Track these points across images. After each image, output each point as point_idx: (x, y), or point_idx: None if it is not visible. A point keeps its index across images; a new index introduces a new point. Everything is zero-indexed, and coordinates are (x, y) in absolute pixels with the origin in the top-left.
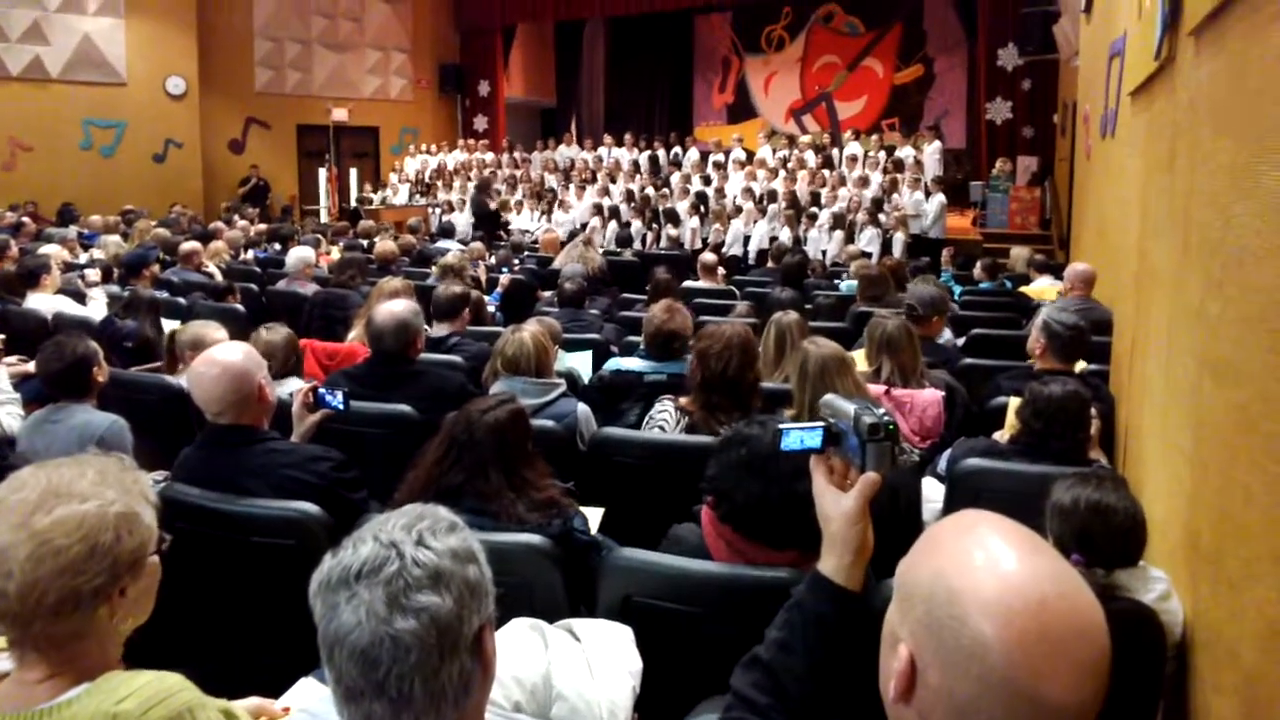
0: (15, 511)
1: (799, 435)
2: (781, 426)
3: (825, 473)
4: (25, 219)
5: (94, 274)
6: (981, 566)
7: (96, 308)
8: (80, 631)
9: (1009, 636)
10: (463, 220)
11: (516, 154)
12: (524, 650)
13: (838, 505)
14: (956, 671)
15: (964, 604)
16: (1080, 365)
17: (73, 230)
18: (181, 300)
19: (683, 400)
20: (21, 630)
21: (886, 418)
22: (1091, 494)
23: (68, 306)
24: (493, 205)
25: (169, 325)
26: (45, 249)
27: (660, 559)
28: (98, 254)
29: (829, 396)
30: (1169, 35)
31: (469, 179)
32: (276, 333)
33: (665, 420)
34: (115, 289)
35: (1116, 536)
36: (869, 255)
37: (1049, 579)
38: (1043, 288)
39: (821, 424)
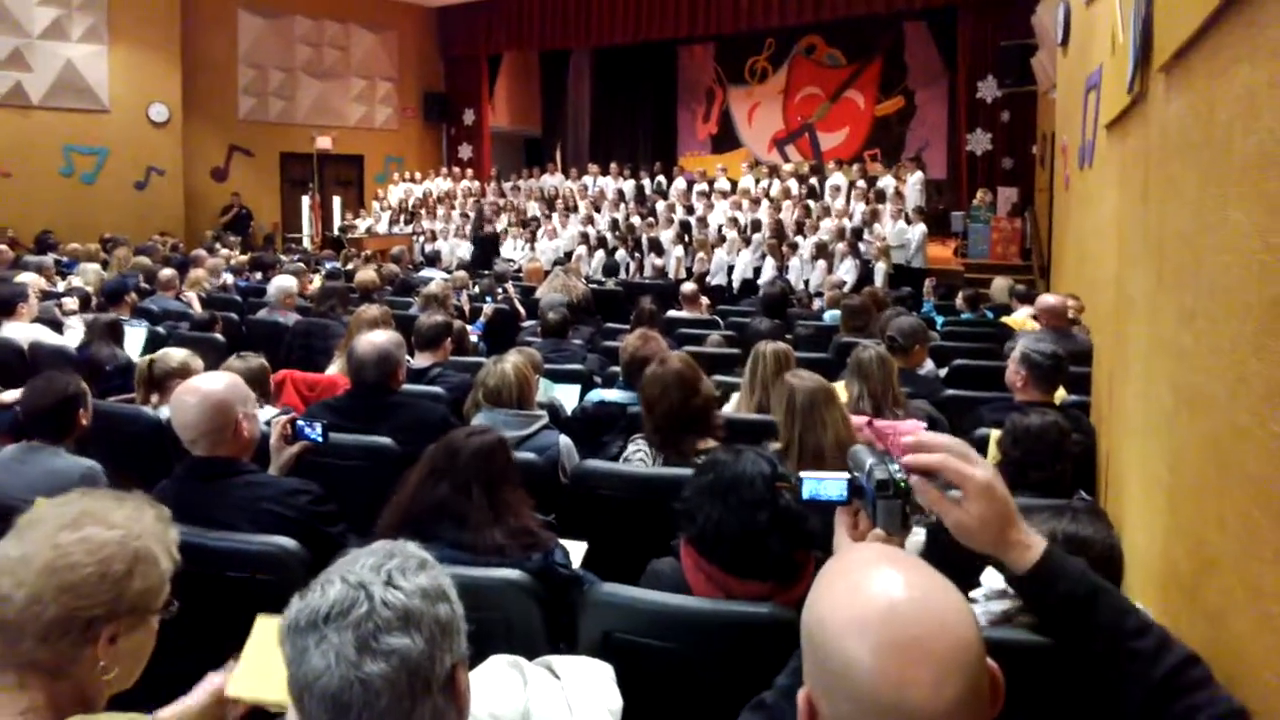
0: (49, 523)
1: (821, 485)
2: (802, 476)
3: (849, 525)
4: (2, 246)
5: (72, 302)
6: (840, 590)
7: (74, 336)
8: (62, 667)
9: (867, 648)
10: (448, 248)
11: (505, 184)
12: (502, 688)
13: None
14: (836, 696)
15: (829, 628)
16: (1061, 395)
17: (50, 258)
18: (160, 330)
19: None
20: (9, 645)
21: (900, 475)
22: (1068, 526)
23: (44, 335)
24: (498, 228)
25: (134, 353)
26: (22, 277)
27: (640, 594)
28: (76, 282)
29: (856, 448)
30: (1141, 70)
31: (454, 207)
32: (247, 361)
33: (642, 459)
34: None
35: (1093, 569)
36: (845, 285)
37: (899, 585)
38: (1024, 318)
39: (847, 475)
